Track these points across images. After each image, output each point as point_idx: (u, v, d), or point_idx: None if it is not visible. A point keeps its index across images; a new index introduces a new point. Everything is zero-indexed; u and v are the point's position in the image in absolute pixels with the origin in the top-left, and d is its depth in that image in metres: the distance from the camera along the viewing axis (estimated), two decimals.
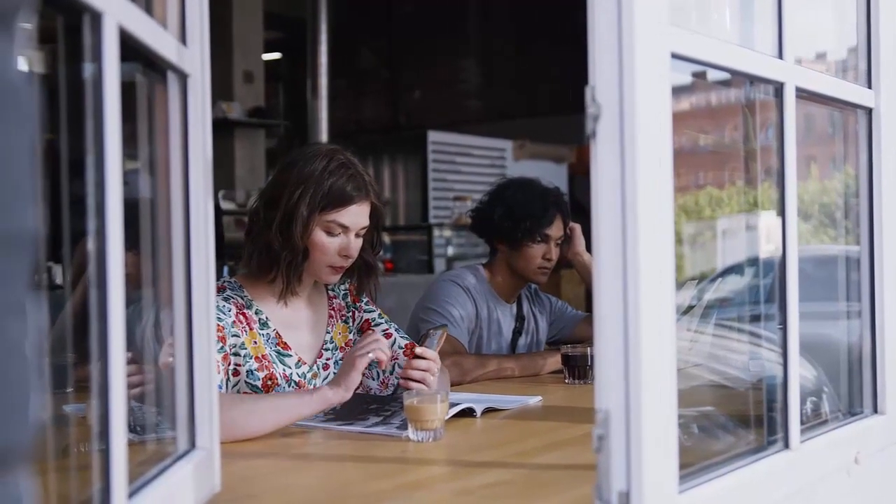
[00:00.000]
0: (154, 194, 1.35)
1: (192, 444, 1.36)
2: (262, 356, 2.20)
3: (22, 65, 0.62)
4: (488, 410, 2.19)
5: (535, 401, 2.36)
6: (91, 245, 1.00)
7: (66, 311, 2.12)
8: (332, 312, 2.40)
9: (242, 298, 2.24)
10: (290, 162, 2.23)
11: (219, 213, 4.66)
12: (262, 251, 2.22)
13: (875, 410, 1.80)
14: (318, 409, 1.99)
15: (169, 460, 1.29)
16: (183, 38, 1.34)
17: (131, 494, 1.06)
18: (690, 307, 1.92)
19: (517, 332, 3.13)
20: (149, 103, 1.32)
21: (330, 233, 2.21)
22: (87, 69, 1.00)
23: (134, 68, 1.23)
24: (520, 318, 3.15)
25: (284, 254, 2.18)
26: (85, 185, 1.00)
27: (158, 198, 1.35)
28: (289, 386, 2.22)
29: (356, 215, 2.22)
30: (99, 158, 0.99)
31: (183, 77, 1.34)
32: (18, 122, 0.59)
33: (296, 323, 2.31)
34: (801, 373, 1.55)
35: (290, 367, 2.24)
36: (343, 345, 2.39)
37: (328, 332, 2.37)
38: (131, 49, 1.09)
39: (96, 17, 0.98)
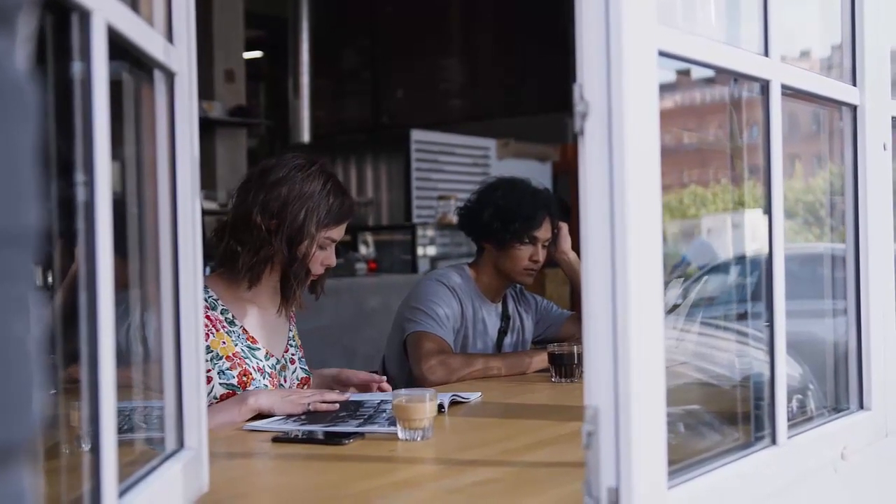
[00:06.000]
0: (140, 194, 1.34)
1: (181, 444, 1.36)
2: (233, 354, 2.22)
3: (24, 63, 0.62)
4: (454, 403, 2.24)
5: (475, 397, 2.37)
6: (79, 246, 0.99)
7: (49, 312, 2.11)
8: (292, 313, 2.47)
9: (206, 300, 2.24)
10: (284, 177, 2.25)
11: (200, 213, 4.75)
12: (264, 262, 2.25)
13: (861, 406, 1.81)
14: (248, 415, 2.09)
15: (157, 460, 1.28)
16: (170, 37, 1.33)
17: (121, 494, 1.06)
18: (676, 305, 1.93)
19: (503, 332, 3.13)
20: (135, 102, 1.31)
21: (322, 247, 2.29)
22: (75, 67, 0.99)
23: (120, 67, 1.22)
24: (505, 318, 3.15)
25: (294, 268, 2.26)
26: (72, 185, 0.99)
27: (145, 198, 1.34)
28: (263, 378, 2.26)
29: (344, 229, 2.34)
30: (88, 157, 0.98)
31: (170, 76, 1.33)
32: (22, 120, 0.60)
33: (262, 320, 2.36)
34: (786, 370, 1.56)
35: (261, 360, 2.29)
36: (298, 345, 2.47)
37: (290, 330, 2.45)
38: (117, 47, 1.09)
39: (85, 15, 0.98)
